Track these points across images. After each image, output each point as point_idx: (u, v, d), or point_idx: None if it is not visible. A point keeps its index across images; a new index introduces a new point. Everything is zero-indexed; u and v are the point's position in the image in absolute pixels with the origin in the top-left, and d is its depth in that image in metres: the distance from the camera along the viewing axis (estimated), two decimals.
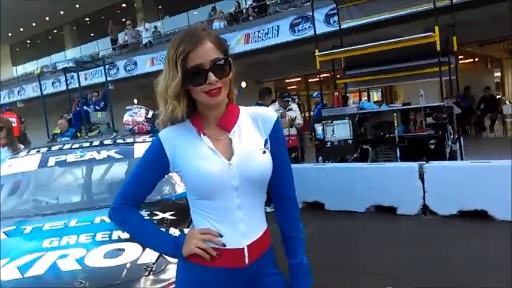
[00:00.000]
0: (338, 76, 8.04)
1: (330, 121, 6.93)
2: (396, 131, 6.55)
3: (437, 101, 6.93)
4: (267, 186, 1.46)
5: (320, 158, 6.98)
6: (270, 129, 1.45)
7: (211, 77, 1.31)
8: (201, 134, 1.39)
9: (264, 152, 1.42)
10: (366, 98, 11.35)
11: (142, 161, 1.45)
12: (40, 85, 12.92)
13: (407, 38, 6.37)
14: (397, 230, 5.09)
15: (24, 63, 27.21)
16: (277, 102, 7.04)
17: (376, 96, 15.53)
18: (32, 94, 19.55)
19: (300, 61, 12.69)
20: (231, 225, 1.39)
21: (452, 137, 6.39)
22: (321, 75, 7.71)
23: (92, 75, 16.53)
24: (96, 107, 12.02)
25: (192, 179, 1.38)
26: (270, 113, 1.49)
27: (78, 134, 9.92)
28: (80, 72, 12.14)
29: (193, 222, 1.46)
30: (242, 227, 1.40)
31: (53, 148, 3.75)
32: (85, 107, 11.52)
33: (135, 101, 15.45)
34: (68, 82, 13.56)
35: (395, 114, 6.57)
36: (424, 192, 5.31)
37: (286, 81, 17.70)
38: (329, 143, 6.90)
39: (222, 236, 1.39)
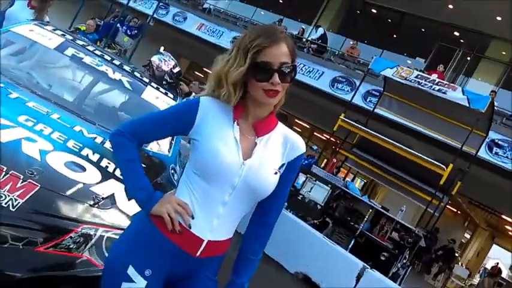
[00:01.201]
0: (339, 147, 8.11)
1: (314, 179, 6.98)
2: (362, 225, 6.62)
3: (410, 223, 7.05)
4: (257, 203, 1.47)
5: (285, 203, 6.99)
6: (292, 157, 1.48)
7: (276, 78, 1.34)
8: (235, 123, 1.41)
9: (276, 173, 1.44)
10: (349, 179, 11.49)
11: (171, 109, 1.49)
12: None
13: (422, 156, 6.52)
14: None
15: None
16: None
17: (358, 183, 15.77)
18: None
19: (319, 111, 12.88)
20: (208, 214, 1.40)
21: (404, 262, 6.48)
22: (330, 138, 7.81)
23: (143, 3, 16.44)
24: (128, 31, 11.96)
25: (203, 154, 1.38)
26: (301, 143, 1.51)
27: (98, 43, 9.80)
28: None
29: (177, 189, 1.46)
30: (215, 223, 1.41)
31: (77, 41, 3.70)
32: (118, 24, 11.45)
33: (162, 48, 15.32)
34: None
35: (370, 210, 6.65)
36: None
37: (296, 120, 17.81)
38: (300, 197, 6.93)
39: (193, 219, 1.39)
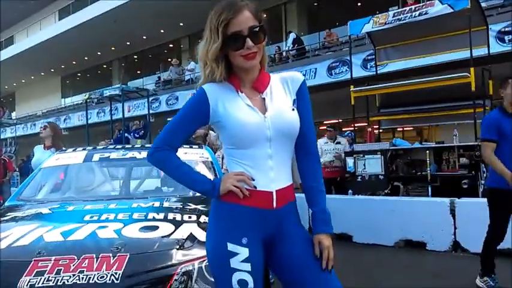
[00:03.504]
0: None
1: (361, 155, 6.99)
2: (428, 169, 6.52)
3: (470, 141, 6.90)
4: (295, 140, 1.61)
5: (350, 190, 6.99)
6: (296, 88, 1.64)
7: (249, 42, 1.50)
8: (239, 92, 1.58)
9: (293, 110, 1.60)
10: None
11: (185, 109, 1.62)
12: (86, 113, 13.72)
13: (442, 77, 6.48)
14: (426, 266, 4.96)
15: (72, 96, 28.78)
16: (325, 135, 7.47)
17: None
18: (77, 123, 20.58)
19: (335, 104, 12.93)
20: (262, 171, 1.55)
21: (485, 175, 6.29)
22: (355, 122, 7.83)
23: (135, 107, 17.30)
24: (136, 135, 12.53)
25: (232, 129, 1.54)
26: (297, 74, 1.68)
27: None
28: (124, 103, 12.80)
29: (228, 169, 1.62)
30: (272, 174, 1.56)
31: (97, 148, 4.05)
32: (126, 134, 12.06)
33: None
34: (112, 112, 14.29)
35: (428, 152, 6.57)
36: (455, 228, 5.21)
37: (321, 128, 17.79)
38: (360, 177, 6.93)
39: (253, 180, 1.54)
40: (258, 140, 1.54)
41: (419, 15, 6.45)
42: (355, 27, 7.34)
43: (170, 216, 2.72)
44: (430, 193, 6.44)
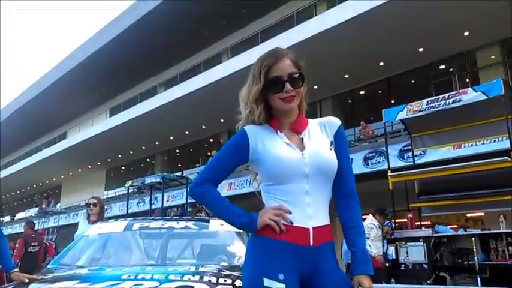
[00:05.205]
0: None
1: (403, 243, 6.74)
2: (476, 258, 6.16)
3: None
4: (332, 179, 1.67)
5: (392, 279, 6.63)
6: (334, 131, 1.73)
7: (288, 86, 1.64)
8: (278, 132, 1.69)
9: (330, 149, 1.68)
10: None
11: (226, 147, 1.73)
12: (127, 201, 14.15)
13: (481, 161, 6.40)
14: None
15: (115, 188, 29.79)
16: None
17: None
18: (118, 213, 21.01)
19: (372, 195, 12.73)
20: (299, 207, 1.59)
21: None
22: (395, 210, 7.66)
23: (174, 197, 17.64)
24: None
25: (270, 164, 1.62)
26: (333, 118, 1.79)
27: None
28: (164, 191, 13.18)
29: (265, 204, 1.68)
30: (309, 210, 1.60)
31: (137, 218, 4.17)
32: None
33: None
34: (152, 202, 14.68)
35: (473, 239, 6.26)
36: None
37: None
38: (403, 266, 6.60)
39: (290, 213, 1.58)
40: (295, 176, 1.59)
41: (453, 102, 6.59)
42: (390, 115, 7.53)
43: (206, 278, 2.71)
44: (479, 284, 6.00)
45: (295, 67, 1.68)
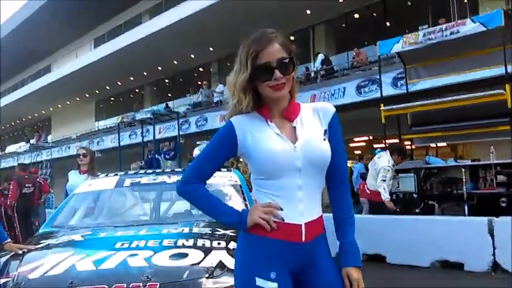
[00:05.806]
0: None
1: (395, 174, 6.84)
2: (465, 188, 6.31)
3: (507, 159, 6.65)
4: (326, 171, 1.58)
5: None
6: (329, 120, 1.61)
7: (277, 73, 1.49)
8: (269, 122, 1.56)
9: (324, 140, 1.56)
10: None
11: (213, 142, 1.62)
12: (119, 135, 14.08)
13: (475, 95, 6.31)
14: (465, 287, 4.77)
15: (105, 119, 29.64)
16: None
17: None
18: (110, 145, 21.08)
19: (365, 123, 12.78)
20: (291, 203, 1.52)
21: None
22: (386, 139, 7.66)
23: (166, 129, 17.60)
24: (166, 156, 12.75)
25: (260, 159, 1.52)
26: (329, 105, 1.65)
27: None
28: (155, 126, 13.08)
29: (256, 200, 1.61)
30: (301, 206, 1.52)
31: (129, 173, 4.12)
32: (156, 155, 12.28)
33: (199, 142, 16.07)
34: (144, 135, 14.62)
35: (463, 170, 6.37)
36: (494, 248, 4.99)
37: (351, 145, 17.62)
38: (394, 196, 6.75)
39: (282, 210, 1.51)
40: (287, 171, 1.50)
41: (450, 34, 6.32)
42: (385, 47, 7.27)
43: (199, 242, 2.71)
44: (466, 212, 6.22)
45: (285, 51, 1.53)
